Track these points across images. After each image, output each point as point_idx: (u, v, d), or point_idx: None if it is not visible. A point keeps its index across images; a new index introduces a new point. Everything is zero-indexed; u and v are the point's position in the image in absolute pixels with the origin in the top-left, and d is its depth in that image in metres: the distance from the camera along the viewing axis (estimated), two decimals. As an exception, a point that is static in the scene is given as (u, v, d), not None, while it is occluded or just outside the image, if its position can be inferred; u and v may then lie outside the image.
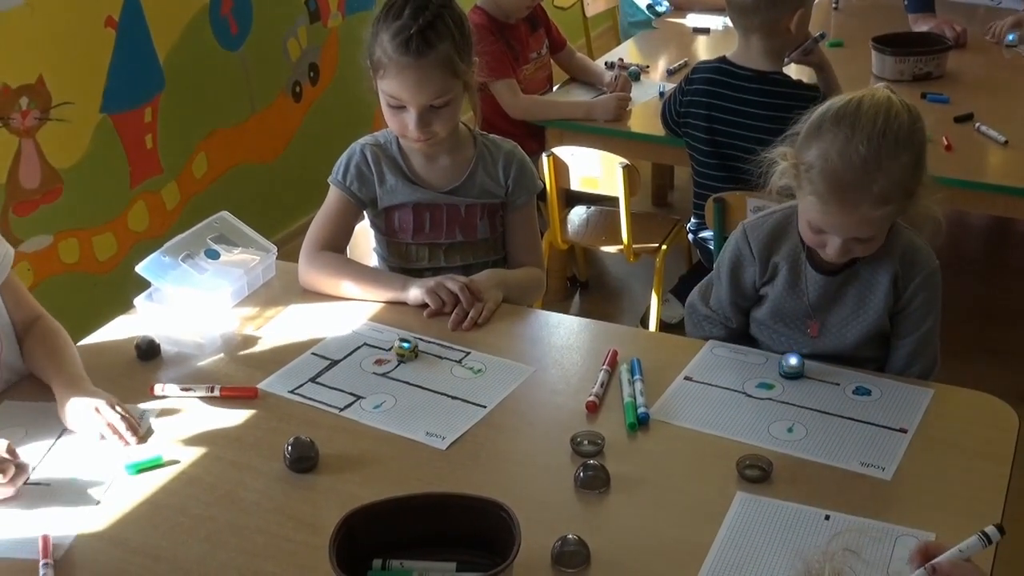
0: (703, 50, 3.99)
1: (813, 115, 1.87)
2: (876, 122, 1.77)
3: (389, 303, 2.17)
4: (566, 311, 2.41)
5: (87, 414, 1.77)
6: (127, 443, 1.75)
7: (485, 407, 1.84)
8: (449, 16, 2.11)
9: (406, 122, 2.15)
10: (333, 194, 2.30)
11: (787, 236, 2.01)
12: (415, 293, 2.14)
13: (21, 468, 1.66)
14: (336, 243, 2.29)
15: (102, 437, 1.75)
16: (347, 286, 2.20)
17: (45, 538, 1.53)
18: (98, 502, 1.64)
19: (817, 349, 2.00)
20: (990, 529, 1.20)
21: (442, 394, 1.89)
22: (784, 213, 2.02)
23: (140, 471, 1.71)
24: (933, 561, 1.30)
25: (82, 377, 1.87)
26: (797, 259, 2.00)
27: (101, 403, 1.78)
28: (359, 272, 2.24)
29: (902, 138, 1.78)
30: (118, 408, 1.78)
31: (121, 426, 1.75)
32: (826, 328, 2.00)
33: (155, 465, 1.73)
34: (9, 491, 1.64)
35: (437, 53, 2.08)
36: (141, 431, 1.77)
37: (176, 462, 1.73)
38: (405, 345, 1.99)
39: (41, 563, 1.50)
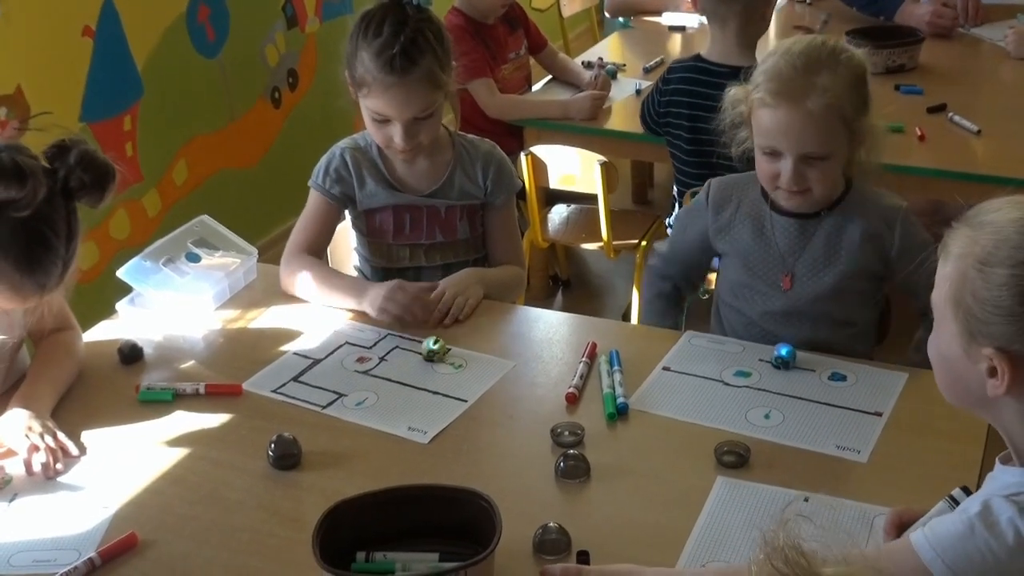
0: (679, 48, 4.01)
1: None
2: (814, 40, 1.97)
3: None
4: (549, 309, 2.45)
5: (16, 428, 1.75)
6: (32, 472, 1.70)
7: (466, 401, 1.86)
8: (428, 29, 2.13)
9: (391, 135, 2.16)
10: (313, 197, 2.31)
11: (747, 192, 2.11)
12: (368, 308, 2.12)
13: (65, 449, 1.74)
14: (317, 245, 2.30)
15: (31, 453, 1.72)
16: (313, 293, 2.20)
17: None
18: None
19: (791, 304, 2.05)
20: (957, 492, 1.25)
21: (423, 389, 1.90)
22: (747, 174, 2.11)
23: (149, 400, 1.87)
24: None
25: (46, 396, 1.86)
26: (759, 209, 2.08)
27: (35, 424, 1.75)
28: (322, 280, 2.21)
29: (839, 51, 1.95)
30: (47, 438, 1.73)
31: (38, 456, 1.71)
32: (797, 279, 2.04)
33: (162, 399, 1.87)
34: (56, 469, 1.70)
35: (420, 69, 2.10)
36: (51, 472, 1.70)
37: (184, 397, 1.88)
38: (433, 345, 1.98)
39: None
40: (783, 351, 1.92)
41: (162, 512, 1.62)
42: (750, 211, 2.09)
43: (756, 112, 1.97)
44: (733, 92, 2.04)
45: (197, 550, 1.55)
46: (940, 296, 1.23)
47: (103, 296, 2.27)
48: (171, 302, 2.14)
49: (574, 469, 1.66)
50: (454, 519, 1.50)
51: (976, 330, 1.18)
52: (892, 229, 2.01)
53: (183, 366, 2.01)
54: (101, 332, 2.13)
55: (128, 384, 1.94)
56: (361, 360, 2.00)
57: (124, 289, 2.18)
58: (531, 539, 1.51)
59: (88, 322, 2.15)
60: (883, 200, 2.05)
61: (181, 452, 1.76)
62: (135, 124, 3.56)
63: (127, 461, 1.75)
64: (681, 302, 2.27)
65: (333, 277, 2.27)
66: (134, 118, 3.56)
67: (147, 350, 2.04)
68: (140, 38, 3.54)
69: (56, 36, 3.25)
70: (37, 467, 1.70)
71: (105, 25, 3.40)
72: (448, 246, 2.32)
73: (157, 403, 1.88)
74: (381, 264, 2.33)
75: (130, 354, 2.02)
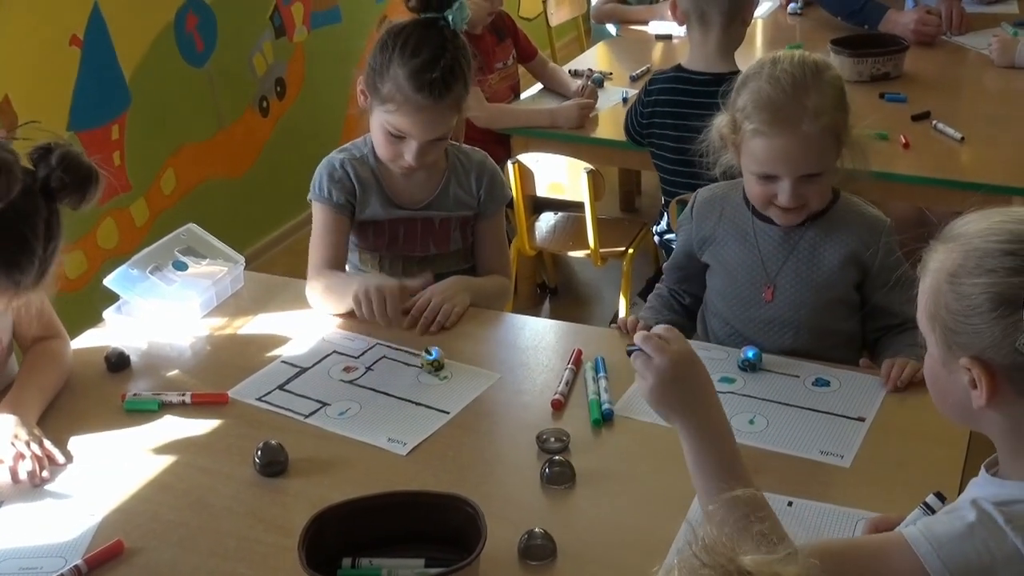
0: (666, 56, 4.03)
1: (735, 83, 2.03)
2: (793, 56, 1.97)
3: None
4: (536, 317, 2.46)
5: (2, 436, 1.75)
6: (18, 480, 1.70)
7: (448, 413, 1.86)
8: (463, 56, 2.13)
9: (402, 151, 2.16)
10: (319, 211, 2.26)
11: (729, 201, 2.12)
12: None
13: (51, 457, 1.75)
14: (337, 258, 2.25)
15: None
16: (336, 302, 2.17)
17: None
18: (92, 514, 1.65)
19: (773, 314, 2.06)
20: (931, 499, 1.26)
21: (407, 400, 1.91)
22: (731, 183, 2.12)
23: (135, 409, 1.88)
24: None
25: (33, 404, 1.86)
26: (743, 218, 2.10)
27: (22, 431, 1.76)
28: (337, 286, 2.19)
29: (820, 64, 1.96)
30: (33, 446, 1.74)
31: (24, 464, 1.71)
32: (779, 290, 2.06)
33: (148, 408, 1.88)
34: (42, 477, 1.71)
35: (452, 95, 2.11)
36: (37, 480, 1.70)
37: (170, 405, 1.89)
38: (430, 356, 1.98)
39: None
40: (749, 354, 1.94)
41: (149, 519, 1.63)
42: (733, 220, 2.10)
43: (749, 142, 1.97)
44: (719, 121, 2.04)
45: (184, 557, 1.55)
46: (920, 313, 1.25)
47: (90, 304, 2.27)
48: (158, 310, 2.15)
49: (559, 475, 1.67)
50: (440, 525, 1.51)
51: (952, 342, 1.20)
52: (875, 243, 2.02)
53: (170, 374, 2.02)
54: (88, 340, 2.13)
55: (115, 392, 1.94)
56: (348, 369, 2.01)
57: (111, 297, 2.18)
58: (516, 545, 1.51)
59: (75, 330, 2.15)
60: (868, 213, 2.06)
61: (168, 459, 1.77)
62: (123, 133, 3.57)
63: (113, 468, 1.75)
64: (675, 305, 2.26)
65: (341, 280, 2.21)
66: (122, 127, 3.57)
67: (134, 358, 2.05)
68: (128, 47, 3.55)
69: (44, 45, 3.26)
70: (23, 475, 1.71)
71: (93, 34, 3.40)
72: (440, 258, 2.33)
73: (140, 422, 1.87)
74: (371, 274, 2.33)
75: (117, 362, 2.02)
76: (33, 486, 1.70)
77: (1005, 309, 1.14)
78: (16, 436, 1.75)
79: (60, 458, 1.76)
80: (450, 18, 2.12)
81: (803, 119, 1.91)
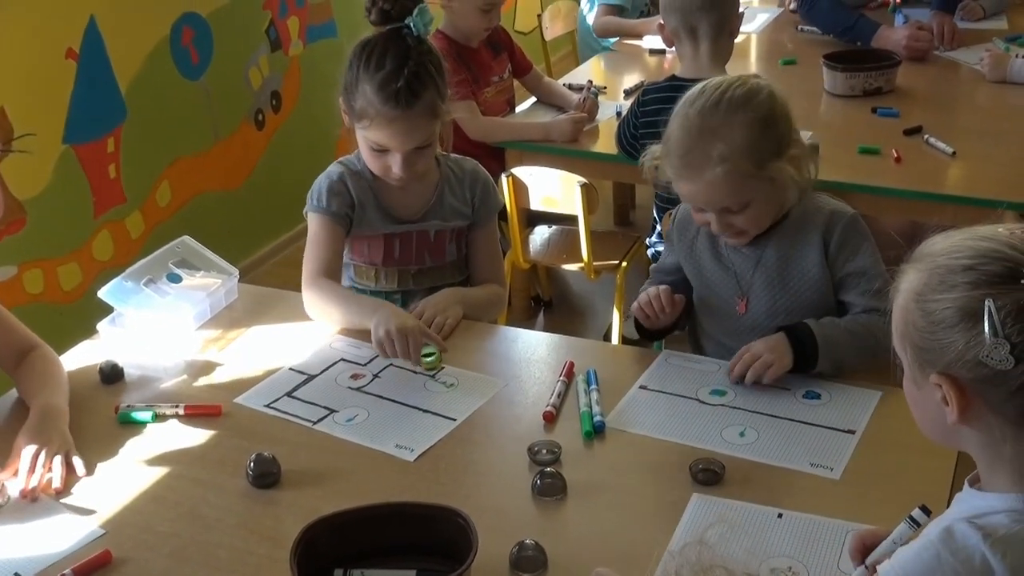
0: (659, 71, 4.05)
1: None
2: (712, 95, 1.95)
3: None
4: (531, 330, 2.46)
5: (27, 451, 1.75)
6: (25, 494, 1.69)
7: (455, 420, 1.87)
8: (430, 62, 2.13)
9: (389, 164, 2.17)
10: (316, 221, 2.26)
11: None
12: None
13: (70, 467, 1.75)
14: (331, 269, 2.24)
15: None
16: (342, 317, 2.17)
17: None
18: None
19: (749, 324, 2.07)
20: (916, 513, 1.28)
21: (414, 407, 1.92)
22: None
23: (128, 421, 1.89)
24: (868, 561, 1.36)
25: (55, 410, 1.86)
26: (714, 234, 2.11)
27: (43, 451, 1.75)
28: (345, 301, 2.19)
29: (736, 104, 1.93)
30: (56, 463, 1.73)
31: (36, 477, 1.70)
32: (753, 301, 2.08)
33: (142, 420, 1.89)
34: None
35: (423, 102, 2.10)
36: (51, 490, 1.71)
37: (165, 417, 1.90)
38: (427, 358, 2.00)
39: None
40: None
41: (140, 530, 1.63)
42: (708, 234, 2.11)
43: (668, 171, 2.01)
44: (651, 151, 2.07)
45: (175, 568, 1.55)
46: (893, 335, 1.28)
47: (85, 316, 2.28)
48: (152, 322, 2.15)
49: (551, 487, 1.67)
50: (432, 537, 1.52)
51: (922, 360, 1.22)
52: (832, 232, 2.03)
53: (163, 386, 2.02)
54: (82, 352, 2.14)
55: (108, 404, 1.95)
56: (355, 377, 2.02)
57: (106, 309, 2.19)
58: (508, 556, 1.52)
59: (69, 342, 2.16)
60: (828, 207, 2.06)
61: (160, 471, 1.77)
62: (118, 146, 3.58)
63: (106, 479, 1.75)
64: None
65: (352, 299, 2.21)
66: (117, 140, 3.58)
67: (128, 370, 2.05)
68: (124, 60, 3.56)
69: (40, 58, 3.27)
70: (31, 486, 1.70)
71: (89, 48, 3.42)
72: (436, 270, 2.34)
73: (133, 434, 1.88)
74: (368, 287, 2.34)
75: (111, 374, 2.03)
76: (31, 498, 1.70)
77: (967, 322, 1.16)
78: (46, 447, 1.74)
79: (80, 470, 1.76)
80: (412, 25, 2.12)
81: (706, 168, 1.93)
